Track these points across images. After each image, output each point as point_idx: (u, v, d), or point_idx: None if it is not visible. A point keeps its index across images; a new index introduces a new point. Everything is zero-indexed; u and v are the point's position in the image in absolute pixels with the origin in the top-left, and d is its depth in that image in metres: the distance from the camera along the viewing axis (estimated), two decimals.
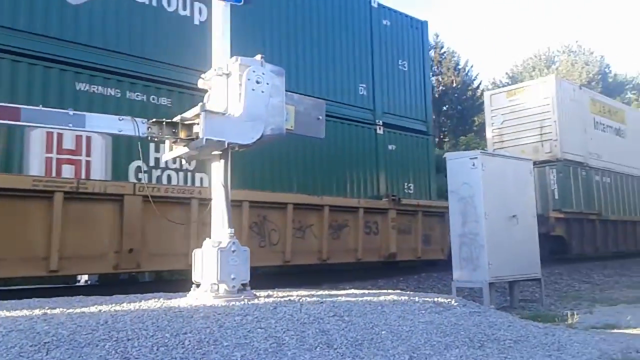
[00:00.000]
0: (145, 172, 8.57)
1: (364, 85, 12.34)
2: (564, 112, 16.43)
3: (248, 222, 8.90)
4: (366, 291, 6.28)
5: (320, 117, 5.68)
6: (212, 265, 4.62)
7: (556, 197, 15.50)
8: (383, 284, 10.32)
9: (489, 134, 17.94)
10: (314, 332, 3.67)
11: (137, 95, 8.67)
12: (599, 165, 17.73)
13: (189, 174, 9.09)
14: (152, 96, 8.82)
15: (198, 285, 4.78)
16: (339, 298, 4.72)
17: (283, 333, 3.59)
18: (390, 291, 5.97)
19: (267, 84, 4.82)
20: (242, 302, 4.33)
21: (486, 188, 7.69)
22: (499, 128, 17.34)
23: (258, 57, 4.89)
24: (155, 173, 8.73)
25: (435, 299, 4.92)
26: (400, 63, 13.33)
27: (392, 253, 11.23)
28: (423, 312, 4.46)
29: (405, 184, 12.80)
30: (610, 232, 17.45)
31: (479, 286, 7.59)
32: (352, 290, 6.86)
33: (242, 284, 4.71)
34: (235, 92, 4.79)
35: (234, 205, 8.03)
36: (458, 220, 7.91)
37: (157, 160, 8.69)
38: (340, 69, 11.86)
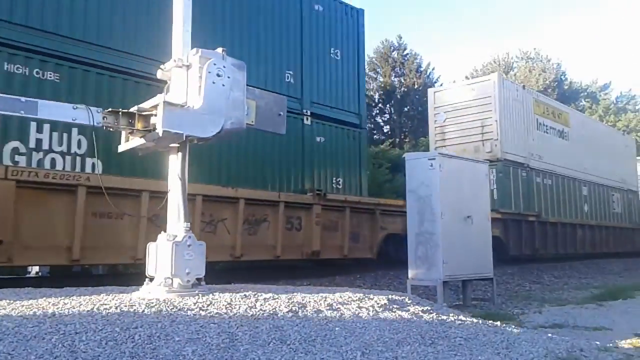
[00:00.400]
0: (22, 154, 7.85)
1: (290, 72, 11.80)
2: (506, 112, 16.21)
3: (147, 214, 7.96)
4: (322, 287, 6.32)
5: (282, 113, 5.67)
6: (167, 259, 4.55)
7: (495, 197, 15.12)
8: (340, 281, 10.38)
9: (431, 132, 17.55)
10: (268, 327, 3.66)
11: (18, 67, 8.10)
12: (540, 167, 17.57)
13: (78, 158, 8.43)
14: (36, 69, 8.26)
15: (152, 279, 4.71)
16: (295, 294, 4.72)
17: (236, 328, 3.57)
18: (346, 288, 6.02)
19: (228, 77, 4.78)
20: (196, 297, 4.29)
21: (443, 188, 7.83)
22: (441, 126, 16.94)
23: (219, 50, 4.85)
24: (37, 156, 8.03)
25: (390, 297, 4.98)
26: (332, 51, 12.68)
27: (315, 251, 10.53)
28: (377, 309, 4.50)
29: (334, 178, 12.33)
30: (550, 234, 17.22)
31: (433, 284, 7.72)
32: (309, 287, 6.90)
33: (197, 279, 4.67)
34: (195, 84, 4.73)
35: (133, 196, 7.86)
36: (415, 219, 8.03)
37: (39, 141, 8.04)
38: (265, 53, 11.22)
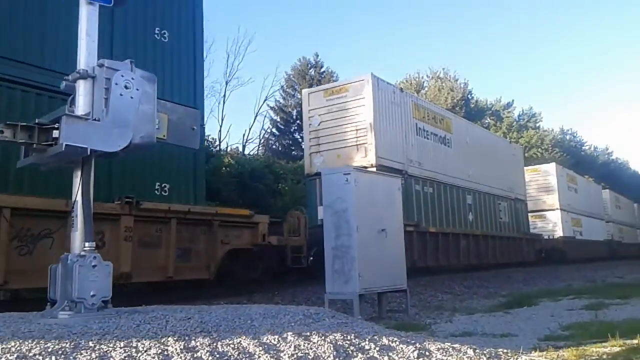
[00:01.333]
0: None
1: None
2: (381, 115, 15.11)
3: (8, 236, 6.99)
4: (238, 306, 6.19)
5: (195, 127, 5.58)
6: (70, 281, 4.30)
7: None
8: (258, 298, 10.25)
9: (305, 137, 16.28)
10: (179, 349, 3.52)
11: None
12: (420, 174, 16.63)
13: None
14: None
15: (54, 303, 4.43)
16: (209, 314, 4.59)
17: (144, 352, 3.40)
18: (263, 305, 5.94)
19: (137, 89, 4.63)
20: (102, 321, 4.07)
21: (358, 203, 7.96)
22: (315, 130, 15.61)
23: (127, 61, 4.68)
24: None
25: (305, 312, 4.95)
26: (158, 32, 10.28)
27: (124, 273, 8.28)
28: (292, 324, 4.46)
29: (158, 183, 9.75)
30: (430, 245, 16.36)
31: (350, 298, 7.79)
32: (225, 306, 6.74)
33: (103, 301, 4.44)
34: (101, 96, 4.54)
35: None
36: (331, 233, 8.10)
37: None
38: (56, 28, 8.50)
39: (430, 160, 17.35)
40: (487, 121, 46.72)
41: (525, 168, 29.00)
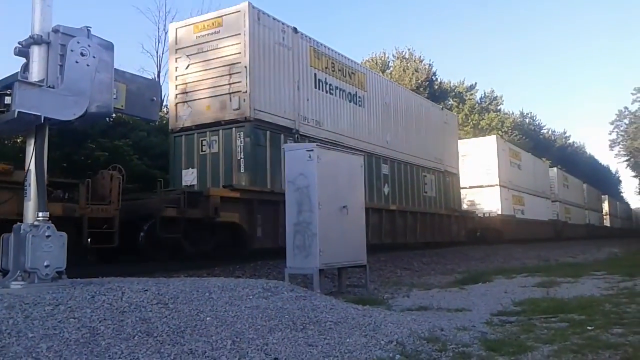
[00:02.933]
0: None
1: None
2: (263, 57, 12.05)
3: None
4: (197, 279, 6.17)
5: (155, 99, 5.44)
6: (23, 251, 4.20)
7: (242, 169, 11.61)
8: (220, 271, 10.22)
9: (171, 83, 12.98)
10: (134, 320, 3.50)
11: None
12: (318, 135, 13.36)
13: None
14: None
15: (6, 273, 4.33)
16: (166, 286, 4.57)
17: (99, 322, 3.37)
18: (221, 278, 5.94)
19: (94, 57, 4.50)
20: (56, 291, 4.00)
21: (320, 179, 7.96)
22: (183, 75, 12.55)
23: (84, 27, 4.54)
24: None
25: (264, 285, 4.98)
26: None
27: None
28: (251, 297, 4.49)
29: None
30: None
31: (310, 272, 7.84)
32: (183, 278, 6.71)
33: (58, 272, 4.36)
34: (55, 63, 4.39)
35: None
36: (294, 209, 8.10)
37: None
38: None
39: (333, 119, 14.26)
40: (450, 102, 47.24)
41: (464, 140, 27.53)
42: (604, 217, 59.33)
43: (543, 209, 34.52)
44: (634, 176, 65.08)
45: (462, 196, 24.52)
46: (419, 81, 42.06)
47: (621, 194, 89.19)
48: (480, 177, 26.92)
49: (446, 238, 20.35)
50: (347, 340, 3.74)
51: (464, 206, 24.93)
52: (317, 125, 13.77)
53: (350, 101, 15.39)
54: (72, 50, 4.37)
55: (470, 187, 26.46)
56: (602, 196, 59.95)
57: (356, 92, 15.75)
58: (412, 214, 18.26)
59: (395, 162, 17.59)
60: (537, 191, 33.84)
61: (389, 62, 44.71)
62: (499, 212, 26.53)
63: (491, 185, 27.05)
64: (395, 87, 19.70)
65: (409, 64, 43.76)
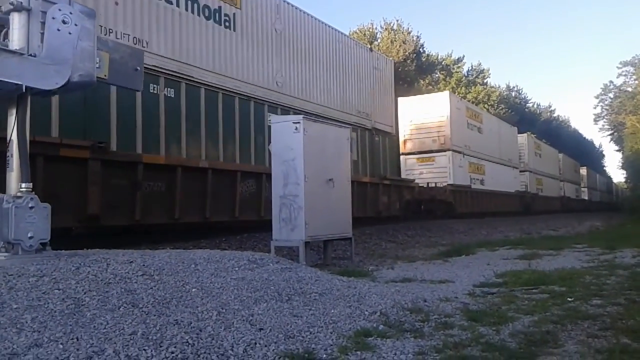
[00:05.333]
0: None
1: None
2: None
3: None
4: (183, 251, 6.18)
5: (139, 68, 5.35)
6: (7, 222, 4.16)
7: None
8: (206, 244, 10.24)
9: None
10: (119, 292, 3.51)
11: None
12: (147, 63, 8.25)
13: None
14: None
15: None
16: (152, 257, 4.57)
17: (84, 294, 3.37)
18: (206, 250, 5.95)
19: (76, 25, 4.40)
20: (40, 263, 3.98)
21: (307, 152, 7.95)
22: None
23: None
24: None
25: (250, 257, 5.01)
26: None
27: None
28: (237, 269, 4.51)
29: None
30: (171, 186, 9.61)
31: (296, 245, 7.89)
32: (169, 251, 6.72)
33: (42, 243, 4.33)
34: (36, 31, 4.29)
35: None
36: (280, 182, 8.10)
37: None
38: None
39: (171, 39, 10.00)
40: (437, 75, 47.08)
41: (412, 98, 23.93)
42: (582, 189, 55.65)
43: (509, 180, 30.42)
44: (617, 150, 65.68)
45: (409, 164, 22.27)
46: (407, 53, 41.78)
47: (604, 168, 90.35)
48: (430, 142, 22.77)
49: (370, 212, 15.74)
50: (332, 311, 3.79)
51: (409, 175, 21.46)
52: (145, 45, 9.43)
53: (209, 18, 10.97)
54: (53, 18, 4.27)
55: (419, 153, 22.80)
56: (581, 168, 56.29)
57: (221, 8, 11.27)
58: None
59: (291, 111, 13.17)
60: (502, 159, 29.59)
61: (377, 33, 44.29)
62: (450, 182, 21.85)
63: (442, 151, 22.53)
64: (295, 11, 14.00)
65: (397, 36, 43.39)
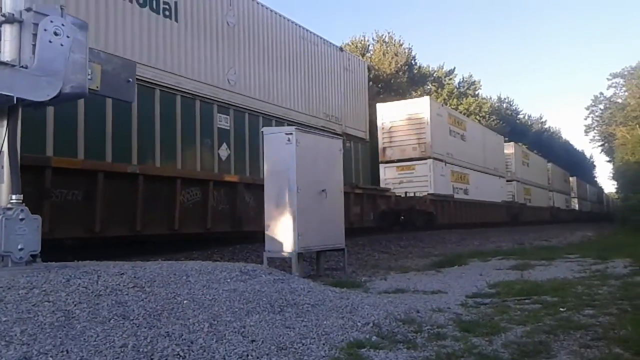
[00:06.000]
0: None
1: None
2: None
3: None
4: (174, 262, 6.15)
5: (131, 80, 5.35)
6: None
7: None
8: (198, 255, 10.19)
9: None
10: (110, 304, 3.48)
11: None
12: None
13: None
14: None
15: None
16: (143, 269, 4.54)
17: (74, 306, 3.35)
18: (198, 261, 5.92)
19: (68, 37, 4.40)
20: (30, 275, 3.95)
21: (299, 163, 7.96)
22: None
23: (57, 6, 4.43)
24: None
25: (242, 268, 4.99)
26: None
27: None
28: (228, 280, 4.49)
29: None
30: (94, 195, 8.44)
31: (288, 256, 7.87)
32: (159, 262, 6.68)
33: (32, 255, 4.30)
34: (28, 43, 4.28)
35: None
36: (272, 192, 8.10)
37: None
38: None
39: (100, 29, 8.98)
40: (428, 87, 47.35)
41: (391, 103, 22.83)
42: (572, 199, 54.93)
43: (495, 189, 29.31)
44: (608, 161, 66.17)
45: (388, 173, 21.34)
46: (399, 65, 42.03)
47: (595, 179, 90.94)
48: (410, 149, 21.59)
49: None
50: (325, 322, 3.78)
51: (388, 185, 20.61)
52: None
53: (144, 5, 9.85)
54: (45, 30, 4.27)
55: (399, 161, 21.67)
56: (571, 178, 55.49)
57: None
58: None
59: (246, 112, 12.25)
60: (488, 168, 28.50)
61: (369, 45, 44.56)
62: (430, 191, 20.81)
63: (422, 159, 21.37)
64: (252, 4, 12.87)
65: (388, 48, 43.66)
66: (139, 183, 8.98)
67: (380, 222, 17.09)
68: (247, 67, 12.43)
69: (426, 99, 23.40)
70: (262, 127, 12.03)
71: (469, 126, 26.88)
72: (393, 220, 18.63)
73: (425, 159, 21.28)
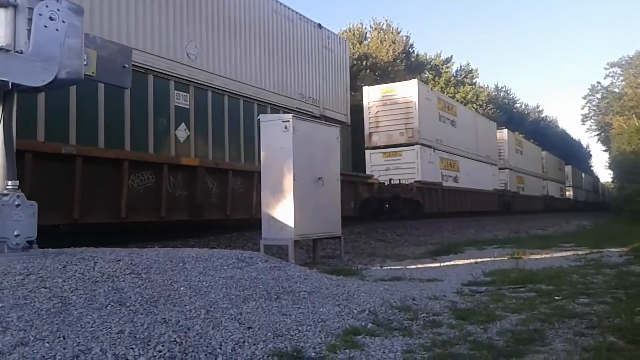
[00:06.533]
0: None
1: None
2: None
3: None
4: (171, 249, 6.15)
5: (127, 65, 5.31)
6: None
7: None
8: (194, 243, 10.19)
9: None
10: (106, 290, 3.48)
11: None
12: None
13: None
14: None
15: None
16: (140, 256, 4.54)
17: (70, 292, 3.34)
18: (195, 248, 5.92)
19: (63, 22, 4.36)
20: (26, 261, 3.94)
21: (296, 151, 7.94)
22: None
23: None
24: None
25: (239, 255, 4.99)
26: None
27: None
28: (225, 267, 4.50)
29: None
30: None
31: (285, 244, 7.89)
32: (157, 249, 6.69)
33: (28, 241, 4.29)
34: (23, 27, 4.24)
35: None
36: (269, 180, 8.09)
37: None
38: None
39: None
40: (425, 75, 47.19)
41: (378, 87, 21.85)
42: (567, 188, 53.77)
43: (487, 177, 28.39)
44: (604, 150, 66.23)
45: (375, 160, 20.40)
46: (396, 53, 41.85)
47: (591, 168, 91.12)
48: (397, 135, 20.46)
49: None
50: (321, 309, 3.79)
51: (375, 172, 19.71)
52: None
53: None
54: (40, 14, 4.22)
55: (385, 147, 20.60)
56: (566, 166, 54.54)
57: None
58: (238, 174, 11.41)
59: (209, 90, 11.28)
60: (479, 155, 27.44)
61: (366, 33, 44.32)
62: (418, 179, 19.86)
63: (409, 145, 20.34)
64: None
65: (386, 36, 43.45)
66: (77, 166, 8.04)
67: (362, 211, 16.15)
68: (211, 40, 11.41)
69: (414, 81, 21.80)
70: (228, 106, 11.68)
71: (459, 111, 25.91)
72: (377, 209, 17.89)
73: (412, 144, 20.33)
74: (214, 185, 10.88)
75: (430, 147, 21.31)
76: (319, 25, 15.86)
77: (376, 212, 17.69)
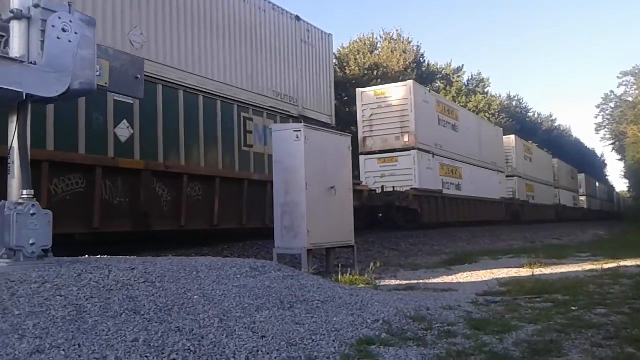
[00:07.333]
0: None
1: None
2: None
3: None
4: (184, 258, 6.16)
5: (139, 76, 5.35)
6: (8, 229, 4.15)
7: None
8: (208, 251, 10.20)
9: None
10: (121, 298, 3.49)
11: None
12: None
13: None
14: None
15: None
16: (153, 264, 4.55)
17: (85, 300, 3.35)
18: (208, 257, 5.93)
19: (76, 33, 4.40)
20: (41, 269, 3.96)
21: (308, 160, 7.96)
22: None
23: (65, 3, 4.43)
24: None
25: (252, 264, 4.98)
26: None
27: None
28: (238, 276, 4.49)
29: None
30: None
31: (298, 252, 7.88)
32: (169, 257, 6.70)
33: (43, 250, 4.32)
34: (37, 39, 4.29)
35: None
36: (281, 189, 8.10)
37: None
38: None
39: None
40: (437, 84, 47.13)
41: (371, 88, 21.00)
42: (580, 197, 52.17)
43: (492, 185, 26.90)
44: (619, 159, 65.56)
45: (369, 165, 19.35)
46: (407, 62, 41.85)
47: (606, 177, 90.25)
48: (393, 139, 19.21)
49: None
50: (334, 318, 3.76)
51: (369, 178, 18.81)
52: None
53: None
54: (53, 26, 4.27)
55: (380, 152, 19.41)
56: (579, 175, 52.62)
57: None
58: (195, 179, 10.23)
59: (159, 84, 9.79)
60: (484, 161, 26.04)
61: (377, 42, 44.41)
62: (415, 186, 18.68)
63: (405, 150, 19.02)
64: None
65: (397, 45, 43.48)
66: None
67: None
68: (161, 28, 9.93)
69: (409, 82, 20.51)
70: (184, 102, 10.30)
71: (461, 115, 24.40)
72: (368, 219, 16.36)
73: (408, 149, 19.03)
74: (165, 191, 9.63)
75: (428, 152, 20.20)
76: (297, 17, 14.21)
77: (368, 222, 16.19)
